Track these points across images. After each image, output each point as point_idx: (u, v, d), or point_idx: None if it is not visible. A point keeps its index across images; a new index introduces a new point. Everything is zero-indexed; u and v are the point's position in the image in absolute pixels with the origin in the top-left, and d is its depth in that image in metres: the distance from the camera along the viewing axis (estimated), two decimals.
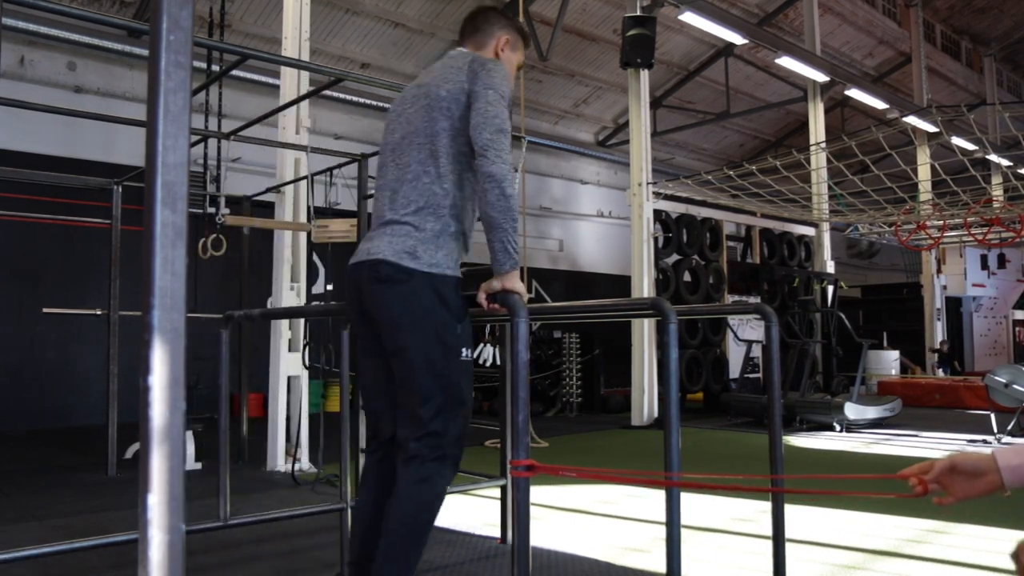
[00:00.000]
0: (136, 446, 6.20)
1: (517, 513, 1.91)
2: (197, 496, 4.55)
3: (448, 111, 2.35)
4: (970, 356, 19.11)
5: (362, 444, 4.79)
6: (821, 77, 12.08)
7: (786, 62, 11.55)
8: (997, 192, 13.41)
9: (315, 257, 6.18)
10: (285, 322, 6.16)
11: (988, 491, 1.30)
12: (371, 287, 2.32)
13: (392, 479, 2.34)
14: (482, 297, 2.29)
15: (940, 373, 14.65)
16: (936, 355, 14.93)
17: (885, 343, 14.33)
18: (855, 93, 13.21)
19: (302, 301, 6.24)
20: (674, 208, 10.62)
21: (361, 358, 2.51)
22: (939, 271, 15.78)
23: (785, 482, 2.98)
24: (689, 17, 9.94)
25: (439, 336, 2.27)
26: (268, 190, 6.68)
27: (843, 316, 11.10)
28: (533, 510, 4.44)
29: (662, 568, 2.13)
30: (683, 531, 2.09)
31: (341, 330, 3.26)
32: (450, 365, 2.29)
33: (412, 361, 2.27)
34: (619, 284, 14.29)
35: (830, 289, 12.17)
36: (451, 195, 2.34)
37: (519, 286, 2.23)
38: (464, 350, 2.34)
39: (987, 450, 1.34)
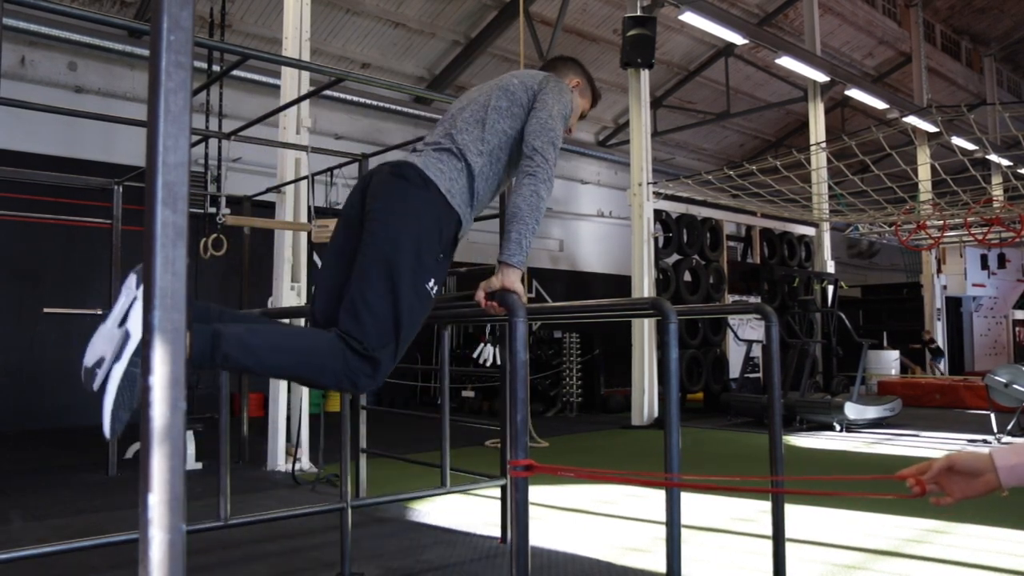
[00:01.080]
0: (136, 446, 6.20)
1: (516, 513, 1.91)
2: (197, 496, 4.56)
3: (511, 95, 2.45)
4: (970, 356, 19.12)
5: (363, 444, 4.80)
6: (821, 77, 12.08)
7: (786, 62, 11.55)
8: (997, 192, 13.41)
9: (315, 257, 6.18)
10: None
11: (986, 491, 1.30)
12: (386, 176, 2.30)
13: None
14: (480, 295, 2.28)
15: (940, 367, 14.65)
16: (929, 349, 14.85)
17: (885, 343, 14.33)
18: (855, 93, 13.20)
19: (302, 301, 6.24)
20: (674, 208, 10.62)
21: (327, 255, 2.38)
22: (939, 271, 15.78)
23: (785, 482, 2.98)
24: (689, 17, 9.94)
25: (418, 248, 2.22)
26: (268, 190, 6.68)
27: (843, 316, 11.09)
28: (534, 510, 4.44)
29: (662, 568, 2.13)
30: (683, 531, 2.09)
31: None
32: (414, 284, 2.20)
33: (380, 259, 2.18)
34: (619, 284, 14.29)
35: (830, 289, 12.18)
36: (483, 158, 2.38)
37: (518, 286, 2.23)
38: (432, 280, 2.26)
39: (986, 450, 1.33)
